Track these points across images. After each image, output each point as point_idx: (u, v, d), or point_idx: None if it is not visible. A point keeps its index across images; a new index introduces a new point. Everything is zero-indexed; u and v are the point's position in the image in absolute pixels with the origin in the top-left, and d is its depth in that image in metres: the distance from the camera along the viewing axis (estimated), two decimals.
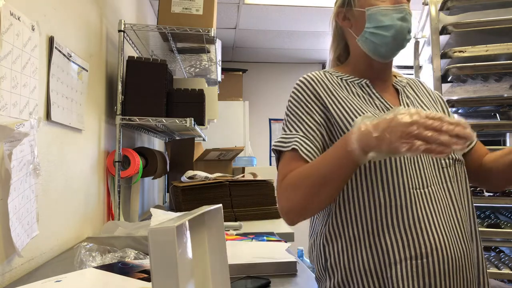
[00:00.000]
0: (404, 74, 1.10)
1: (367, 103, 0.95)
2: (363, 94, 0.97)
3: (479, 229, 1.77)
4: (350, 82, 0.99)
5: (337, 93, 0.95)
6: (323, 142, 0.92)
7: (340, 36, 1.07)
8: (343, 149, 0.78)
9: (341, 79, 0.99)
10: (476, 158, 1.02)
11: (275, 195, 0.94)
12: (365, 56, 0.99)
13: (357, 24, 0.99)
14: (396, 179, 0.85)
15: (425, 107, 1.00)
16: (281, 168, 0.93)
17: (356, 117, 0.90)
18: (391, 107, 0.95)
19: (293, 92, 0.99)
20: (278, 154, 0.95)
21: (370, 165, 0.87)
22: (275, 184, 2.10)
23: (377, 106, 0.95)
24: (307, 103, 0.95)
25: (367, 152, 0.74)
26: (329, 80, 0.98)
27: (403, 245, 0.83)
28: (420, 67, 2.34)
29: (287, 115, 0.97)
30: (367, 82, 0.99)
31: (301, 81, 0.99)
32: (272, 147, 0.96)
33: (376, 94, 0.97)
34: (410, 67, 2.42)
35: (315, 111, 0.94)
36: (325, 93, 0.95)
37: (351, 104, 0.93)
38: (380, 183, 0.86)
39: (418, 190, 0.86)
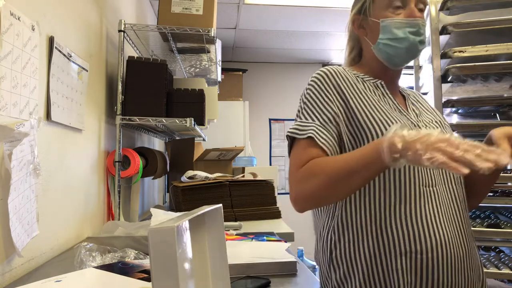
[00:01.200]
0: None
1: (381, 100, 0.97)
2: (377, 93, 0.99)
3: (479, 229, 1.78)
4: (366, 80, 1.01)
5: (357, 87, 0.97)
6: (339, 132, 0.93)
7: (355, 40, 1.09)
8: (373, 148, 0.78)
9: (357, 77, 1.01)
10: None
11: (289, 182, 0.92)
12: (379, 62, 1.02)
13: (372, 33, 1.01)
14: (408, 175, 0.88)
15: (428, 114, 1.04)
16: (296, 155, 0.92)
17: (375, 112, 0.92)
18: (401, 109, 0.98)
19: (313, 81, 0.99)
20: (292, 141, 0.96)
21: None
22: (275, 184, 2.10)
23: (390, 106, 0.98)
24: (327, 93, 0.95)
25: (394, 157, 0.73)
26: (348, 75, 1.00)
27: (409, 239, 0.85)
28: (420, 67, 2.33)
29: (304, 102, 0.97)
30: (382, 82, 1.01)
31: (323, 71, 0.99)
32: (287, 133, 0.96)
33: (389, 95, 1.00)
34: (410, 67, 2.42)
35: (335, 100, 0.94)
36: (346, 86, 0.96)
37: (370, 99, 0.95)
38: (392, 177, 0.88)
39: (427, 188, 0.89)
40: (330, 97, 0.95)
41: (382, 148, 0.75)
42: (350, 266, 0.88)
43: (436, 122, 1.01)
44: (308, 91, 0.98)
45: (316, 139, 0.90)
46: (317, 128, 0.92)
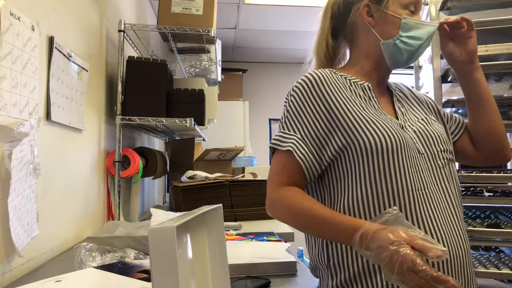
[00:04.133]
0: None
1: (367, 105, 0.95)
2: (364, 96, 0.97)
3: (479, 229, 1.78)
4: (353, 82, 0.98)
5: (343, 93, 0.94)
6: (320, 147, 0.92)
7: (350, 36, 1.04)
8: (348, 232, 0.79)
9: (345, 78, 0.98)
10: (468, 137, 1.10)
11: (267, 189, 0.98)
12: (372, 60, 1.01)
13: (385, 26, 0.98)
14: (399, 181, 0.86)
15: (414, 110, 1.03)
16: (276, 168, 0.95)
17: (359, 117, 0.90)
18: (384, 114, 0.96)
19: (297, 88, 0.95)
20: (273, 150, 0.97)
21: (375, 168, 0.87)
22: None
23: (376, 110, 0.96)
24: (311, 105, 0.93)
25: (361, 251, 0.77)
26: (335, 79, 0.96)
27: None
28: (420, 67, 2.34)
29: (287, 111, 0.96)
30: (369, 85, 0.99)
31: (307, 78, 0.95)
32: (270, 144, 0.97)
33: (375, 99, 0.98)
34: (410, 67, 2.41)
35: (319, 113, 0.92)
36: (331, 93, 0.93)
37: (356, 106, 0.93)
38: (384, 185, 0.86)
39: (419, 192, 0.87)
40: (314, 110, 0.92)
41: (354, 238, 0.76)
42: (348, 275, 0.87)
43: (422, 120, 1.00)
44: (292, 98, 0.95)
45: (295, 153, 0.90)
46: (297, 142, 0.91)
